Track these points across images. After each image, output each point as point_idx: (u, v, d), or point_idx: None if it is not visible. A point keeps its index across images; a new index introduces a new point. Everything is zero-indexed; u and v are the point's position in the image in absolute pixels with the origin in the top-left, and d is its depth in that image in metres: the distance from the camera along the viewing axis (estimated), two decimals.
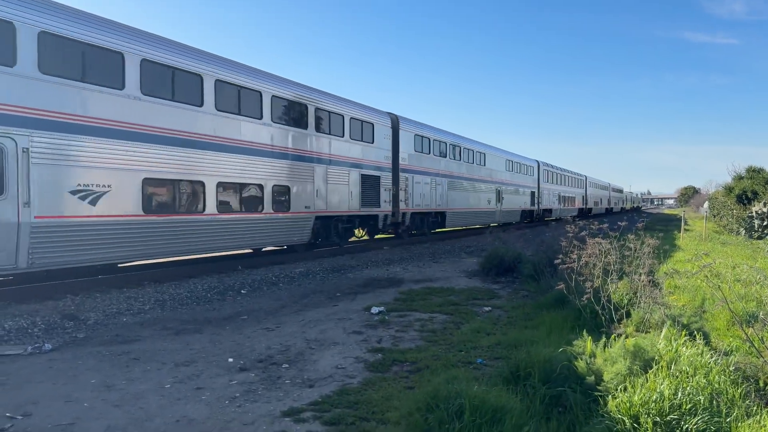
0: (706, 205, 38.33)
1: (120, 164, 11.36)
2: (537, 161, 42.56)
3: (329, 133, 17.97)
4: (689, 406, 4.15)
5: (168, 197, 12.50)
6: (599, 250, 8.22)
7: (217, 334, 8.11)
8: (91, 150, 10.82)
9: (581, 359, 5.38)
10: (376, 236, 22.20)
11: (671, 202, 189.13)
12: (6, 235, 9.48)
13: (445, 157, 26.50)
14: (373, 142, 20.46)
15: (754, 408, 4.47)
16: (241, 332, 8.25)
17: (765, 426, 4.04)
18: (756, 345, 5.84)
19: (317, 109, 17.40)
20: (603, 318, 7.39)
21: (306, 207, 16.77)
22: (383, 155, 21.18)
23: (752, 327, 6.54)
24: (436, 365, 6.34)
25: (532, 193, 40.31)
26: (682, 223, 29.51)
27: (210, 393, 5.54)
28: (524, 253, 15.23)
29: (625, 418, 4.13)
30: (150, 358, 6.78)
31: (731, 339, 6.73)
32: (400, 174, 22.15)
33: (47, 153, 10.11)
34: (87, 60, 10.87)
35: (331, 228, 18.46)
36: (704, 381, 4.56)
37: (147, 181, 11.90)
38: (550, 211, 44.95)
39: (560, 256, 8.77)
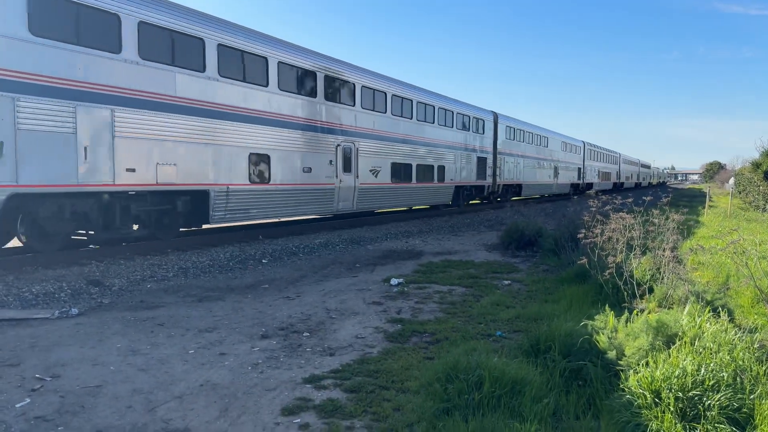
0: (731, 181, 37.52)
1: (385, 155, 19.96)
2: (583, 142, 48.76)
3: (462, 129, 26.25)
4: (712, 382, 4.11)
5: (399, 173, 20.94)
6: (623, 225, 8.11)
7: (239, 302, 8.22)
8: (377, 147, 19.50)
9: (602, 333, 5.35)
10: (471, 201, 28.82)
11: (696, 177, 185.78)
12: (351, 192, 18.07)
13: (523, 141, 33.99)
14: (483, 134, 28.58)
15: None
16: (262, 300, 8.35)
17: None
18: None
19: (457, 113, 25.80)
20: (625, 293, 7.32)
21: (451, 179, 25.02)
22: (488, 142, 29.16)
23: None
24: (456, 337, 6.36)
25: (579, 169, 47.16)
26: (707, 199, 28.99)
27: (233, 359, 5.64)
28: (545, 227, 15.12)
29: (646, 393, 4.11)
30: (174, 324, 6.90)
31: (756, 316, 6.63)
32: (497, 156, 29.97)
33: (363, 150, 18.63)
34: (375, 98, 19.52)
35: (460, 194, 26.51)
36: (728, 358, 4.51)
37: (393, 164, 20.43)
38: (591, 184, 50.61)
39: (582, 230, 8.68)
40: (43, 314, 7.27)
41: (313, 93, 16.18)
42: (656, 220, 8.42)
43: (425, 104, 22.84)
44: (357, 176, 18.24)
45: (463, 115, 26.25)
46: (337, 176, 17.19)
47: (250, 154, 13.98)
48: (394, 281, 9.67)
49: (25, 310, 7.53)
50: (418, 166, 22.21)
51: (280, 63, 14.77)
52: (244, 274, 10.63)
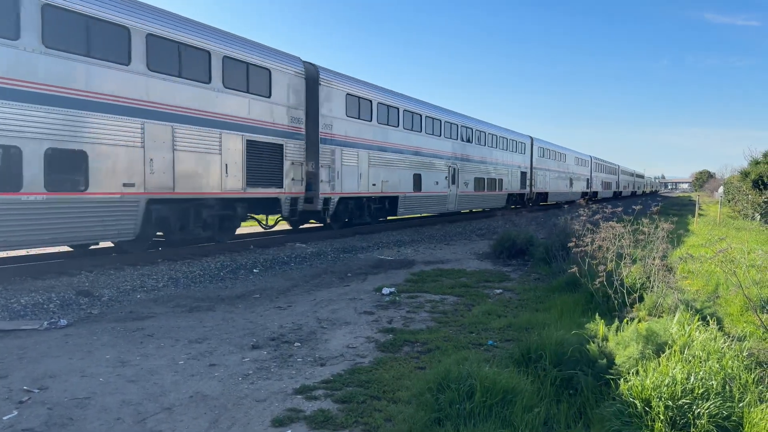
0: (721, 189, 37.83)
1: (471, 172, 27.96)
2: (590, 156, 57.65)
3: (512, 151, 34.68)
4: (701, 390, 4.13)
5: (478, 184, 28.89)
6: (613, 234, 8.16)
7: (229, 312, 8.18)
8: (469, 167, 27.58)
9: (593, 342, 5.37)
10: (512, 206, 35.06)
11: (686, 186, 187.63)
12: (455, 198, 26.05)
13: (550, 159, 42.94)
14: (524, 153, 37.14)
15: (767, 393, 4.44)
16: (253, 310, 8.31)
17: None
18: None
19: (510, 140, 34.20)
20: (615, 302, 7.36)
21: (505, 189, 33.11)
22: (527, 160, 37.63)
23: (767, 313, 6.49)
24: (447, 346, 6.36)
25: (587, 180, 55.88)
26: (696, 208, 29.21)
27: (223, 370, 5.61)
28: (536, 236, 15.18)
29: (636, 402, 4.12)
30: (164, 335, 6.86)
31: (745, 324, 6.68)
32: (533, 170, 38.74)
33: (462, 169, 26.72)
34: (468, 133, 28.07)
35: (509, 200, 34.36)
36: (717, 366, 4.53)
37: (475, 179, 28.33)
38: (596, 193, 59.41)
39: (573, 239, 8.71)
40: (32, 325, 7.20)
41: (439, 133, 25.05)
42: (646, 229, 8.48)
43: (493, 135, 31.66)
44: (458, 187, 26.61)
45: (514, 141, 35.24)
46: (448, 187, 25.68)
47: (413, 174, 22.78)
48: (385, 291, 9.66)
49: (13, 321, 7.46)
50: (488, 179, 30.42)
51: (426, 117, 24.02)
52: (235, 283, 10.58)
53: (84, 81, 10.35)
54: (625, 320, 5.94)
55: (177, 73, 12.08)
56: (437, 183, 24.48)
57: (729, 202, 39.83)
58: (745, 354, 5.06)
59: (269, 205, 15.51)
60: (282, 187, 15.25)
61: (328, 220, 18.02)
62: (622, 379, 4.55)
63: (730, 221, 27.47)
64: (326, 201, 17.25)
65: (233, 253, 13.72)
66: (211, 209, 13.38)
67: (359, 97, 19.00)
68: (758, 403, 4.22)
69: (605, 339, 5.57)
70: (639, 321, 6.04)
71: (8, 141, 9.20)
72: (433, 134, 24.38)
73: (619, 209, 9.28)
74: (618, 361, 5.01)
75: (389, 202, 21.39)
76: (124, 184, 11.08)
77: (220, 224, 13.95)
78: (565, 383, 4.96)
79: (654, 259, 7.88)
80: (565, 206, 21.56)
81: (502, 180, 32.39)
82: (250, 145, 14.09)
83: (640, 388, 4.22)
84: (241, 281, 10.82)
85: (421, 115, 23.38)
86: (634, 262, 8.28)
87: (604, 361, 5.06)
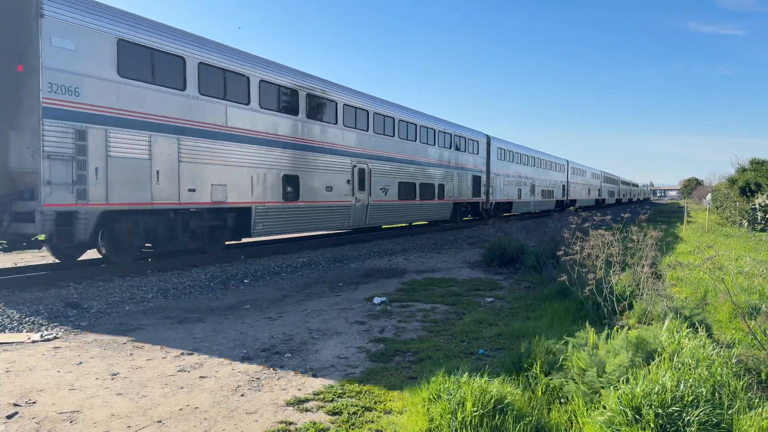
0: (709, 197, 38.20)
1: (540, 185, 44.65)
2: (600, 171, 71.98)
3: (557, 171, 49.52)
4: (691, 398, 4.14)
5: (543, 195, 44.65)
6: (602, 242, 8.20)
7: (220, 324, 8.14)
8: (537, 182, 43.60)
9: (583, 350, 5.38)
10: (556, 209, 48.39)
11: (674, 193, 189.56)
12: (533, 204, 43.05)
13: (577, 174, 56.70)
14: (563, 172, 51.08)
15: (756, 400, 4.46)
16: (243, 321, 8.27)
17: (767, 418, 4.05)
18: (758, 337, 5.84)
19: (556, 163, 49.52)
20: (605, 309, 7.38)
21: (554, 197, 47.62)
22: (564, 176, 51.23)
23: (755, 319, 6.54)
24: (438, 355, 6.36)
25: (599, 190, 69.62)
26: (685, 215, 29.45)
27: (213, 382, 5.57)
28: (527, 244, 15.23)
29: (627, 410, 4.13)
30: (153, 347, 6.81)
31: (733, 331, 6.73)
32: (569, 183, 52.73)
33: (535, 184, 43.16)
34: (557, 166, 50.56)
35: (556, 204, 47.59)
36: (706, 373, 4.55)
37: (542, 191, 44.84)
38: (604, 200, 73.92)
39: (563, 247, 8.75)
40: (20, 338, 7.13)
41: (527, 163, 40.05)
42: (635, 237, 8.52)
43: (550, 161, 46.82)
44: (535, 196, 41.19)
45: (559, 164, 49.74)
46: (530, 196, 40.48)
47: (518, 188, 37.25)
48: (376, 300, 9.65)
49: (0, 334, 7.38)
50: (547, 190, 44.45)
51: (522, 154, 38.52)
52: (226, 294, 10.53)
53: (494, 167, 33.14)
54: (615, 328, 5.96)
55: (461, 149, 28.94)
56: (526, 194, 39.39)
57: (717, 209, 40.19)
58: (734, 361, 5.09)
59: (475, 205, 31.11)
60: (480, 197, 31.36)
61: (484, 215, 31.91)
62: (612, 388, 4.57)
63: (718, 228, 27.69)
64: (491, 204, 32.79)
65: (223, 264, 13.67)
66: (464, 207, 29.64)
67: (502, 149, 35.13)
68: (747, 410, 4.24)
69: (595, 347, 5.58)
70: (629, 329, 6.06)
71: (441, 181, 26.50)
72: (525, 165, 39.46)
73: (608, 217, 9.34)
74: (608, 369, 5.02)
75: (506, 206, 35.81)
76: (449, 196, 26.98)
77: (462, 214, 29.28)
78: (556, 392, 4.98)
79: (643, 266, 7.93)
80: (555, 215, 22.04)
81: (553, 191, 47.73)
82: (473, 178, 30.17)
83: (630, 396, 4.23)
84: (231, 292, 10.77)
85: (521, 154, 38.80)
86: (623, 269, 8.33)
87: (594, 369, 5.08)
